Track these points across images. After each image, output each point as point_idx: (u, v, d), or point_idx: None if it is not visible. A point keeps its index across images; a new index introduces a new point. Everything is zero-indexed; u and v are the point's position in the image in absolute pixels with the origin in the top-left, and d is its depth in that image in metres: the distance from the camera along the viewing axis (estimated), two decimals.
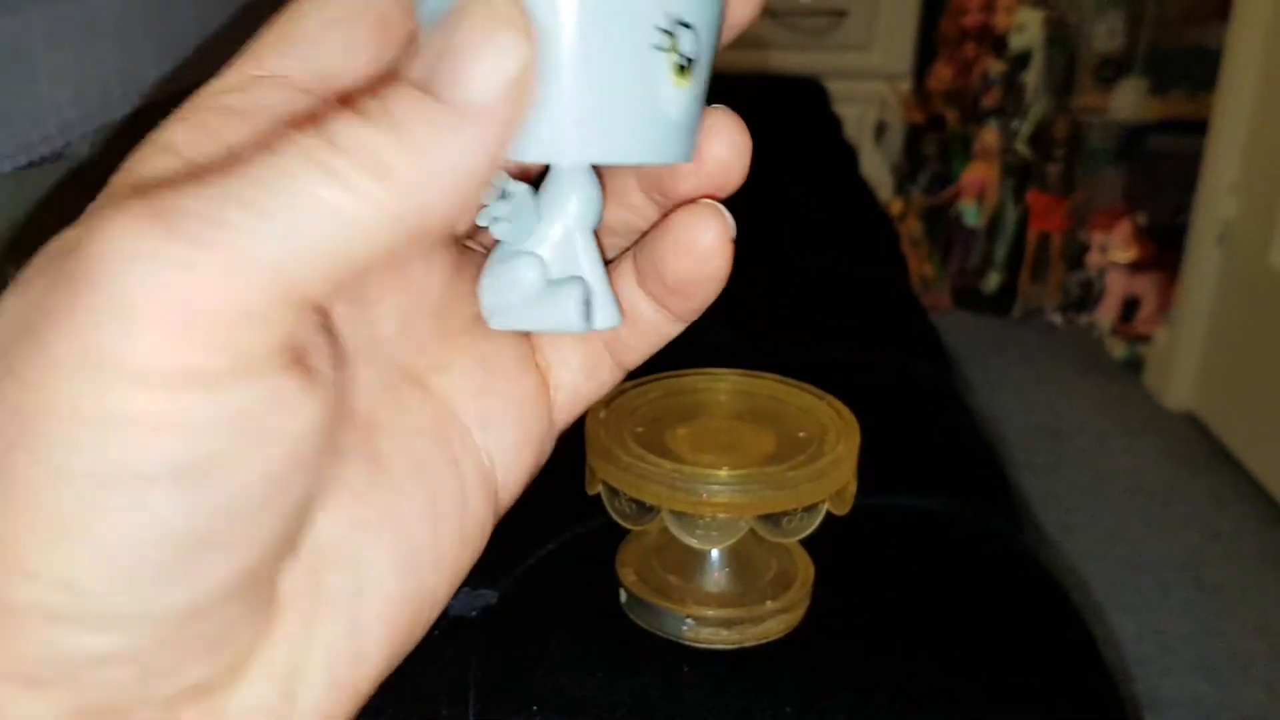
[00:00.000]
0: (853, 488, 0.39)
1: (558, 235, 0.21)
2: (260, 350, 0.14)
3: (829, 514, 0.40)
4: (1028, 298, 1.72)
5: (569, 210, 0.21)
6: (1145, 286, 1.60)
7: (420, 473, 0.18)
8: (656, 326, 0.22)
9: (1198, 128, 1.51)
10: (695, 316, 0.21)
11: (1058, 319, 1.71)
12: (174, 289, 0.13)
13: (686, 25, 0.19)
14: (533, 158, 0.18)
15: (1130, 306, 1.63)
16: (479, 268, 0.21)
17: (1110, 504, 1.31)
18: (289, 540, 0.16)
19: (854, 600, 0.43)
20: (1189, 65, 1.67)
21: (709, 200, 0.21)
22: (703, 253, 0.20)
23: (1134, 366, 1.61)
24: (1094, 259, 1.61)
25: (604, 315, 0.20)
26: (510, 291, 0.20)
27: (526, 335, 0.22)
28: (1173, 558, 1.21)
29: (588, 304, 0.20)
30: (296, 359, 0.15)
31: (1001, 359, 1.58)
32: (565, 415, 0.22)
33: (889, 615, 0.43)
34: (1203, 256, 1.45)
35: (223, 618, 0.15)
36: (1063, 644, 0.43)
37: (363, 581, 0.17)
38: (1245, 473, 1.32)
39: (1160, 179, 1.66)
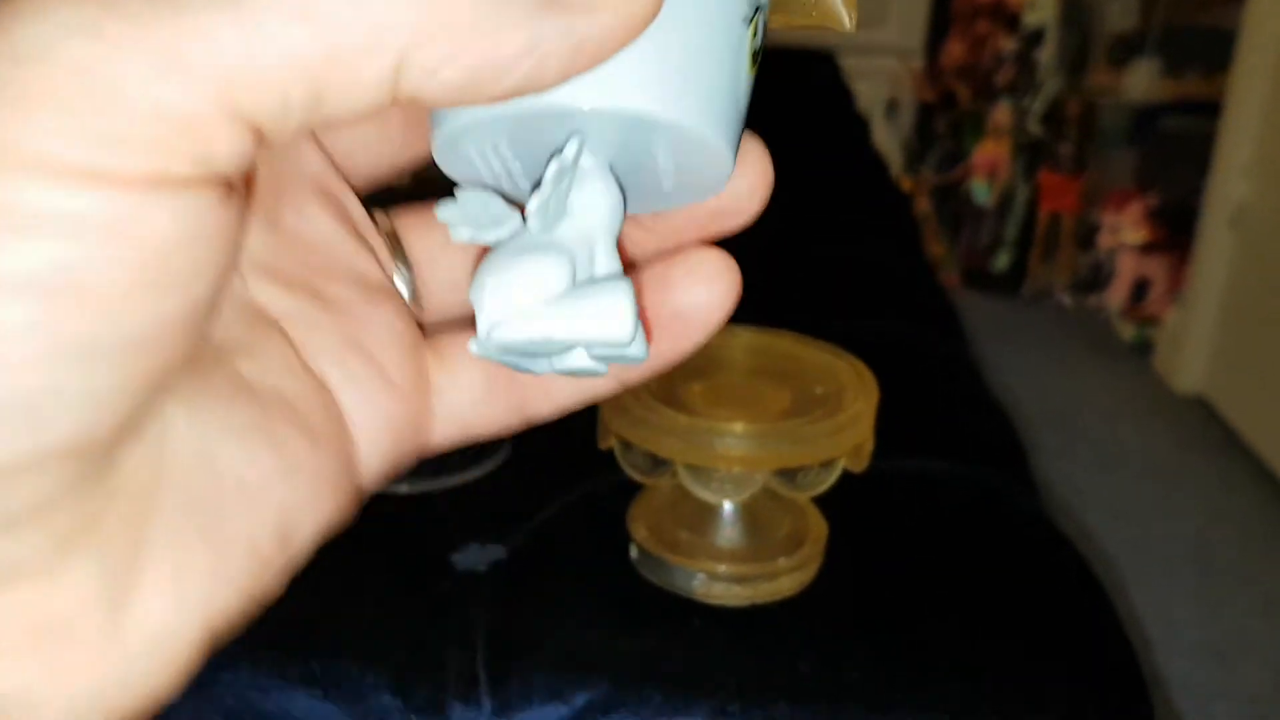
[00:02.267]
0: (870, 444, 0.38)
1: (572, 239, 0.17)
2: (184, 167, 0.12)
3: (844, 474, 0.40)
4: (1037, 278, 1.71)
5: (597, 208, 0.17)
6: (1156, 268, 1.59)
7: (279, 399, 0.17)
8: (590, 380, 0.18)
9: (1211, 109, 1.49)
10: (638, 378, 0.19)
11: (1067, 300, 1.70)
12: (101, 73, 0.11)
13: (759, 9, 0.17)
14: (590, 102, 0.15)
15: (1140, 288, 1.62)
16: (352, 223, 0.18)
17: (1118, 486, 1.31)
18: (144, 406, 0.14)
19: (868, 560, 0.43)
20: (1203, 46, 1.65)
21: (717, 251, 0.18)
22: (698, 323, 0.18)
23: (1143, 349, 1.60)
24: (1104, 240, 1.60)
25: (640, 343, 0.16)
26: (524, 294, 0.16)
27: (413, 333, 0.19)
28: (1180, 540, 1.20)
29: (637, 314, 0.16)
30: (221, 192, 0.13)
31: (1010, 339, 1.57)
32: (441, 438, 0.19)
33: (903, 576, 0.43)
34: (1215, 238, 1.44)
35: (49, 481, 0.13)
36: (1079, 607, 0.43)
37: (205, 490, 0.15)
38: (1254, 456, 1.31)
39: (1172, 160, 1.64)
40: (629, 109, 0.15)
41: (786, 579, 0.39)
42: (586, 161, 0.17)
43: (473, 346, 0.16)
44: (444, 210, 0.16)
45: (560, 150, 0.16)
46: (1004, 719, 0.37)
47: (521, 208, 0.17)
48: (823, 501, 0.42)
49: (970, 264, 1.71)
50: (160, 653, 0.15)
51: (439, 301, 0.20)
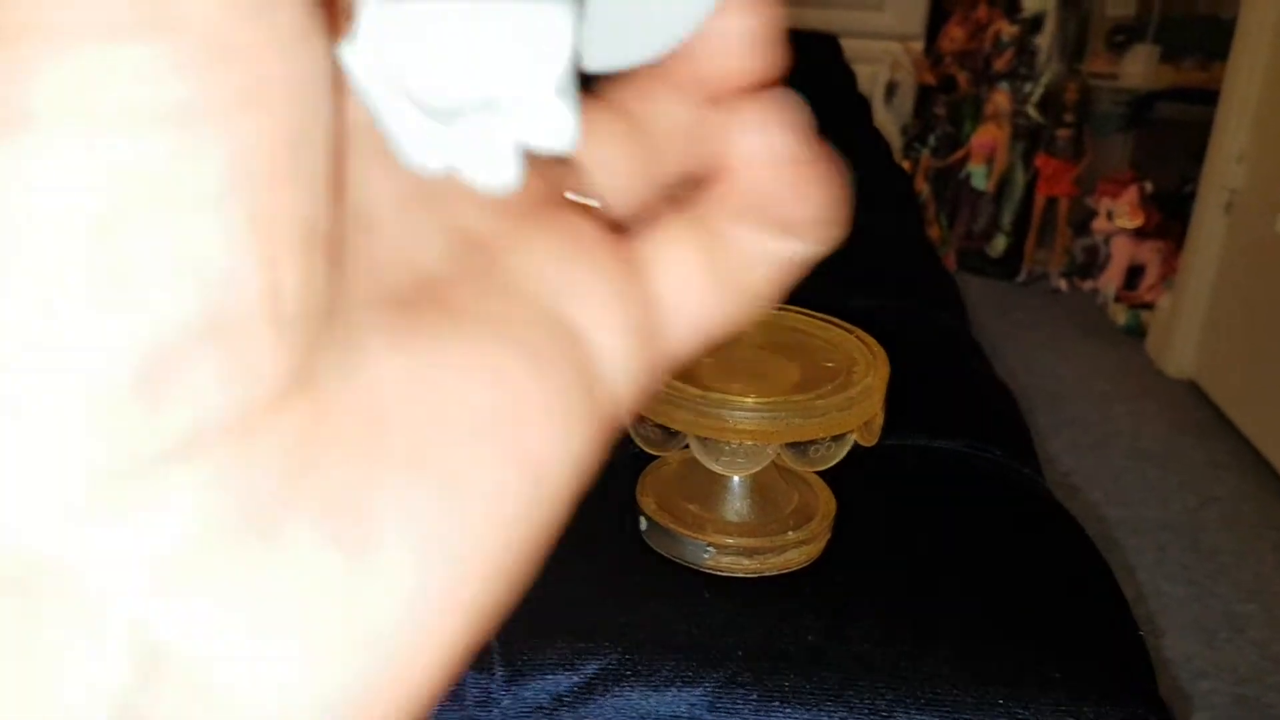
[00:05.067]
0: (880, 419, 0.38)
1: None
2: None
3: (852, 449, 0.40)
4: (1033, 262, 1.72)
5: None
6: (1149, 254, 1.60)
7: (500, 328, 0.15)
8: (766, 262, 0.17)
9: (1207, 96, 1.49)
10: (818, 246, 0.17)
11: (1062, 284, 1.71)
12: None
13: None
14: None
15: (1134, 273, 1.63)
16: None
17: (1109, 468, 1.32)
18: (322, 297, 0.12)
19: (875, 535, 0.43)
20: (1201, 34, 1.65)
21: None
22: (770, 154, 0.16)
23: (1136, 333, 1.61)
24: (1100, 225, 1.61)
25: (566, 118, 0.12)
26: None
27: (617, 237, 0.16)
28: (1170, 522, 1.22)
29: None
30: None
31: (1005, 322, 1.58)
32: (677, 344, 0.17)
33: (910, 550, 0.43)
34: (1208, 224, 1.45)
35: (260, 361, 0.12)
36: (1083, 583, 0.43)
37: (430, 434, 0.14)
38: (1244, 439, 1.33)
39: (1168, 147, 1.65)
40: None
41: (795, 552, 0.39)
42: None
43: (345, 53, 0.12)
44: None
45: None
46: (1010, 691, 0.38)
47: None
48: (830, 477, 0.42)
49: (967, 247, 1.72)
50: (410, 637, 0.12)
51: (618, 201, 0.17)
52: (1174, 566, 1.10)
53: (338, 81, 0.12)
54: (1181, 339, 1.47)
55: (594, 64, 0.15)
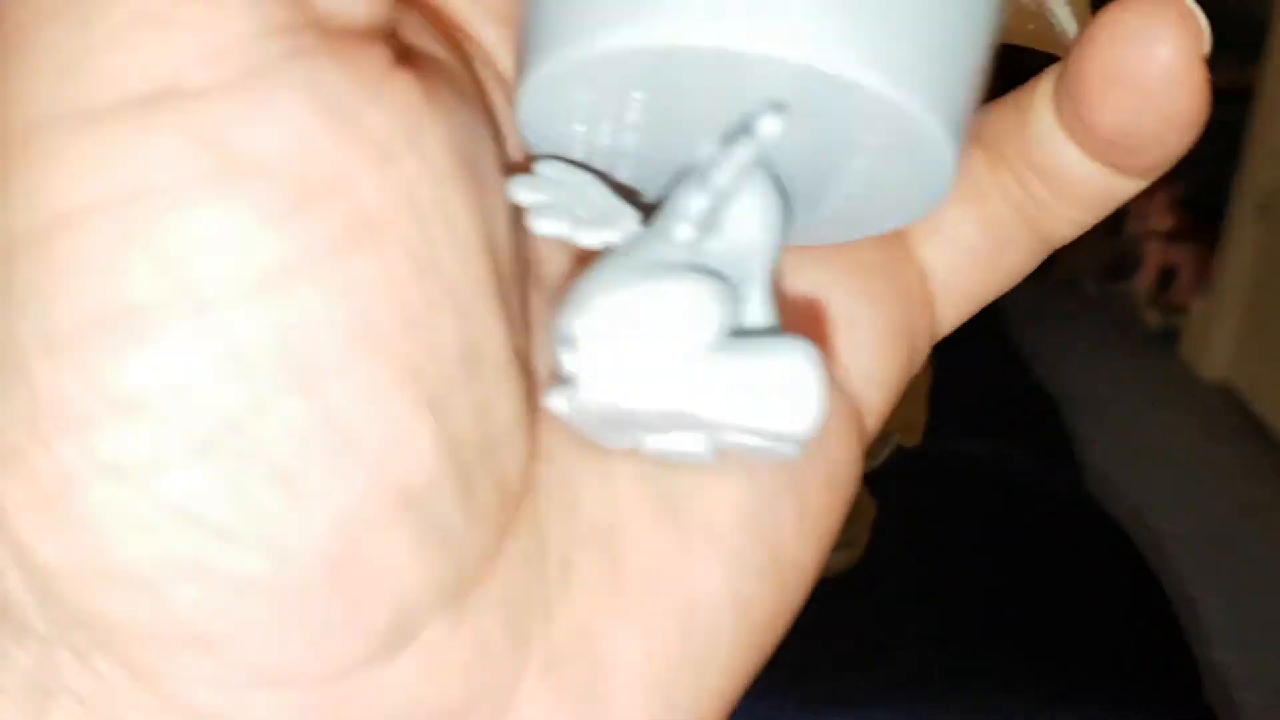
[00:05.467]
0: (923, 418, 0.38)
1: (723, 261, 0.11)
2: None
3: (891, 454, 0.39)
4: (1064, 264, 1.70)
5: (761, 220, 0.12)
6: (1183, 257, 1.58)
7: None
8: (1097, 186, 0.14)
9: (1241, 97, 1.47)
10: (1155, 173, 0.14)
11: (1093, 286, 1.69)
12: None
13: None
14: (798, 55, 0.10)
15: (1167, 276, 1.61)
16: None
17: (1142, 474, 1.30)
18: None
19: (916, 540, 0.42)
20: (1234, 34, 1.62)
21: None
22: (1150, 85, 0.13)
23: (1169, 337, 1.59)
24: (1132, 227, 1.59)
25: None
26: (662, 341, 0.11)
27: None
28: (1205, 528, 1.20)
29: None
30: (392, 53, 0.10)
31: (1034, 325, 1.56)
32: (953, 315, 0.15)
33: (951, 556, 0.42)
34: (1243, 227, 1.42)
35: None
36: (1128, 590, 0.42)
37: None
38: None
39: (1201, 148, 1.62)
40: (861, 80, 0.10)
41: (834, 555, 0.39)
42: (749, 152, 0.11)
43: (554, 401, 0.11)
44: (522, 190, 0.12)
45: (746, 131, 0.11)
46: (1054, 698, 0.37)
47: (635, 202, 0.12)
48: (870, 482, 0.41)
49: None
50: None
51: None
52: (1209, 573, 1.08)
53: (473, 178, 0.11)
54: (1216, 343, 1.44)
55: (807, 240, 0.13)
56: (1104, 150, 0.14)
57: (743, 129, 0.11)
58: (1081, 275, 1.66)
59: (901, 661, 0.37)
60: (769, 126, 0.11)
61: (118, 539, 0.09)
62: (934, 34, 0.11)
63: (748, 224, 0.12)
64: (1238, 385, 1.41)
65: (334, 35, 0.10)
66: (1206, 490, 1.24)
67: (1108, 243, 1.64)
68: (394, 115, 0.10)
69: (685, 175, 0.12)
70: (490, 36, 0.13)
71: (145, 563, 0.09)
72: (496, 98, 0.12)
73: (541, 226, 0.12)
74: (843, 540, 0.39)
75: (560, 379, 0.11)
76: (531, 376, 0.12)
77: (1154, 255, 1.56)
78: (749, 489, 0.12)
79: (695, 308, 0.11)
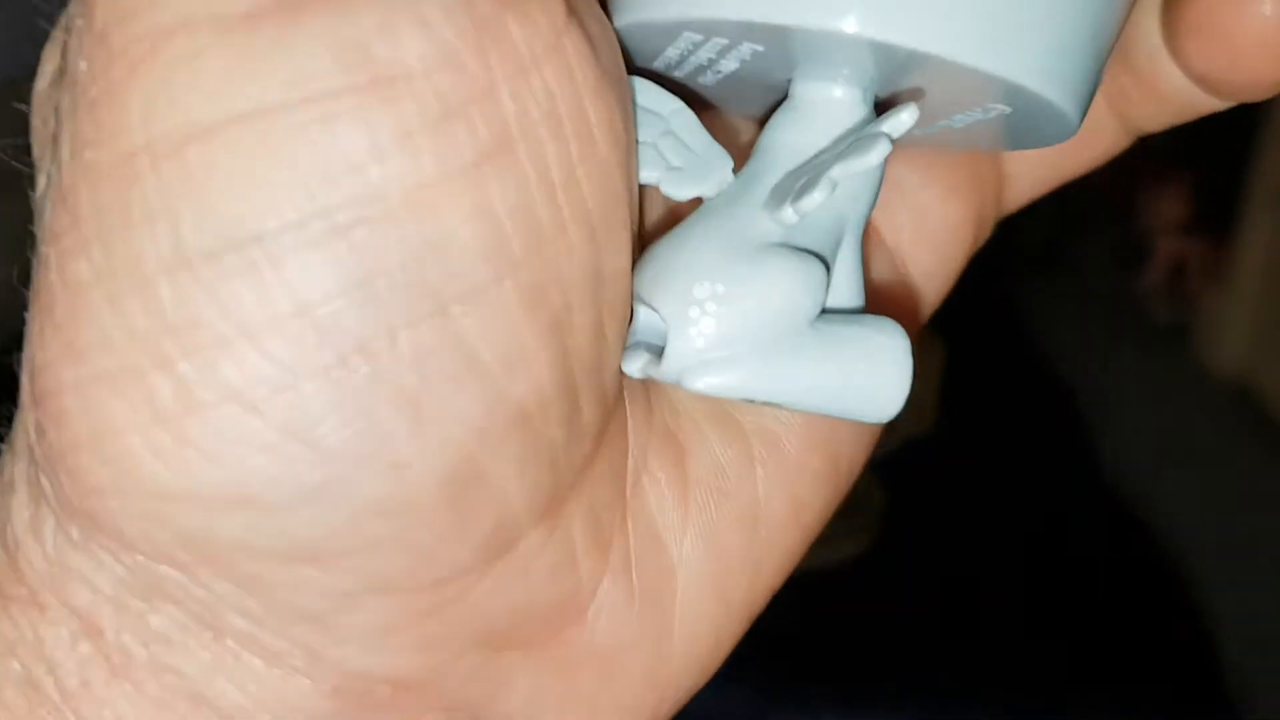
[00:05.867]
0: (934, 405, 0.37)
1: (821, 231, 0.11)
2: None
3: (902, 443, 0.38)
4: (1073, 256, 1.69)
5: (861, 190, 0.12)
6: (1195, 249, 1.56)
7: None
8: (1190, 98, 0.15)
9: None
10: (1256, 97, 0.14)
11: (1103, 278, 1.68)
12: None
13: None
14: (933, 45, 0.10)
15: (1179, 268, 1.59)
16: None
17: (1152, 469, 1.28)
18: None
19: (927, 530, 0.41)
20: None
21: None
22: (1244, 41, 0.13)
23: (1180, 329, 1.57)
24: (1142, 219, 1.57)
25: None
26: (759, 325, 0.11)
27: None
28: (1216, 525, 1.19)
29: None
30: None
31: (1042, 317, 1.55)
32: (1026, 194, 0.16)
33: (963, 546, 0.41)
34: (1258, 218, 1.41)
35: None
36: (1145, 585, 0.41)
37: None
38: None
39: (1214, 137, 1.60)
40: (992, 70, 0.10)
41: (844, 543, 0.38)
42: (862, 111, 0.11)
43: (634, 367, 0.12)
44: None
45: (877, 128, 0.11)
46: (1071, 696, 0.36)
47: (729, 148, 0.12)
48: (880, 471, 0.40)
49: (1005, 239, 1.68)
50: (690, 690, 0.13)
51: None
52: (1220, 570, 1.07)
53: (609, 89, 0.10)
54: (1229, 337, 1.43)
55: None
56: (1198, 78, 0.14)
57: (874, 124, 0.11)
58: (1090, 267, 1.64)
59: (913, 653, 0.36)
60: (903, 123, 0.11)
61: (237, 461, 0.09)
62: (1068, 19, 0.11)
63: (849, 193, 0.12)
64: (1250, 381, 1.40)
65: None
66: (1218, 487, 1.23)
67: (1117, 234, 1.62)
68: (537, 27, 0.10)
69: (783, 117, 0.12)
70: None
71: (264, 485, 0.10)
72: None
73: (675, 186, 0.12)
74: (851, 527, 0.38)
75: (637, 344, 0.11)
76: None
77: (1165, 247, 1.55)
78: None
79: (790, 295, 0.11)
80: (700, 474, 0.12)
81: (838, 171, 0.11)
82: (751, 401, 0.12)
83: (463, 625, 0.11)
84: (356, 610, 0.10)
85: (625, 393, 0.12)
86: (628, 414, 0.12)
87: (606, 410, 0.12)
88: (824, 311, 0.12)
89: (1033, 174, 0.16)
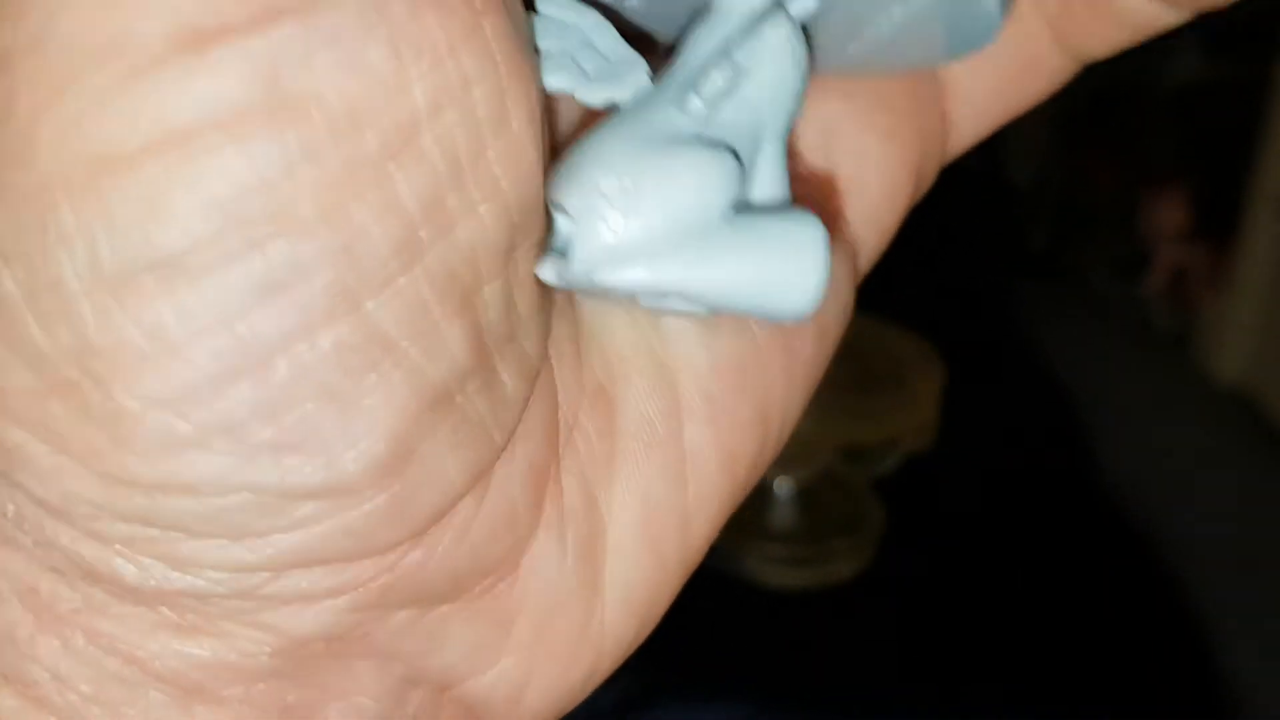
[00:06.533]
0: (934, 422, 0.36)
1: (735, 128, 0.11)
2: None
3: (900, 460, 0.38)
4: (1074, 262, 1.69)
5: (779, 83, 0.11)
6: (1196, 255, 1.56)
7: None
8: (1143, 15, 0.14)
9: (1256, 93, 1.45)
10: (1211, 4, 0.14)
11: (1104, 285, 1.68)
12: None
13: None
14: None
15: (1179, 275, 1.59)
16: None
17: (1152, 477, 1.28)
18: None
19: (926, 547, 0.41)
20: (1250, 29, 1.60)
21: None
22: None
23: (1181, 337, 1.57)
24: (1142, 226, 1.57)
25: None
26: (670, 216, 0.11)
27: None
28: (1216, 533, 1.18)
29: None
30: None
31: (1043, 325, 1.55)
32: (970, 135, 0.15)
33: (962, 562, 0.41)
34: (1260, 225, 1.40)
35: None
36: (1144, 598, 0.41)
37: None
38: None
39: (1215, 145, 1.60)
40: None
41: (842, 563, 0.37)
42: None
43: (547, 271, 0.11)
44: (543, 27, 0.12)
45: (779, 6, 0.11)
46: (1066, 707, 0.35)
47: (641, 49, 0.12)
48: (879, 487, 0.40)
49: (1006, 245, 1.68)
50: (629, 643, 0.13)
51: None
52: (1220, 578, 1.07)
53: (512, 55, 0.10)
54: (1231, 344, 1.43)
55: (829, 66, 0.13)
56: None
57: (776, 3, 0.11)
58: (1092, 274, 1.64)
59: (910, 671, 0.36)
60: (806, 6, 0.11)
61: (169, 459, 0.10)
62: None
63: (764, 89, 0.11)
64: (1251, 388, 1.39)
65: None
66: (1219, 494, 1.23)
67: (1118, 242, 1.62)
68: (455, 14, 0.10)
69: (703, 26, 0.11)
70: None
71: (196, 477, 0.10)
72: None
73: (547, 80, 0.11)
74: (850, 546, 0.38)
75: (554, 247, 0.11)
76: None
77: (1166, 254, 1.54)
78: (740, 345, 0.13)
79: (700, 186, 0.11)
80: (629, 427, 0.13)
81: (741, 55, 0.11)
82: (664, 300, 0.12)
83: (398, 589, 0.11)
84: (287, 579, 0.11)
85: (553, 350, 0.13)
86: (555, 372, 0.12)
87: (529, 375, 0.12)
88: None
89: (976, 112, 0.15)
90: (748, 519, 0.39)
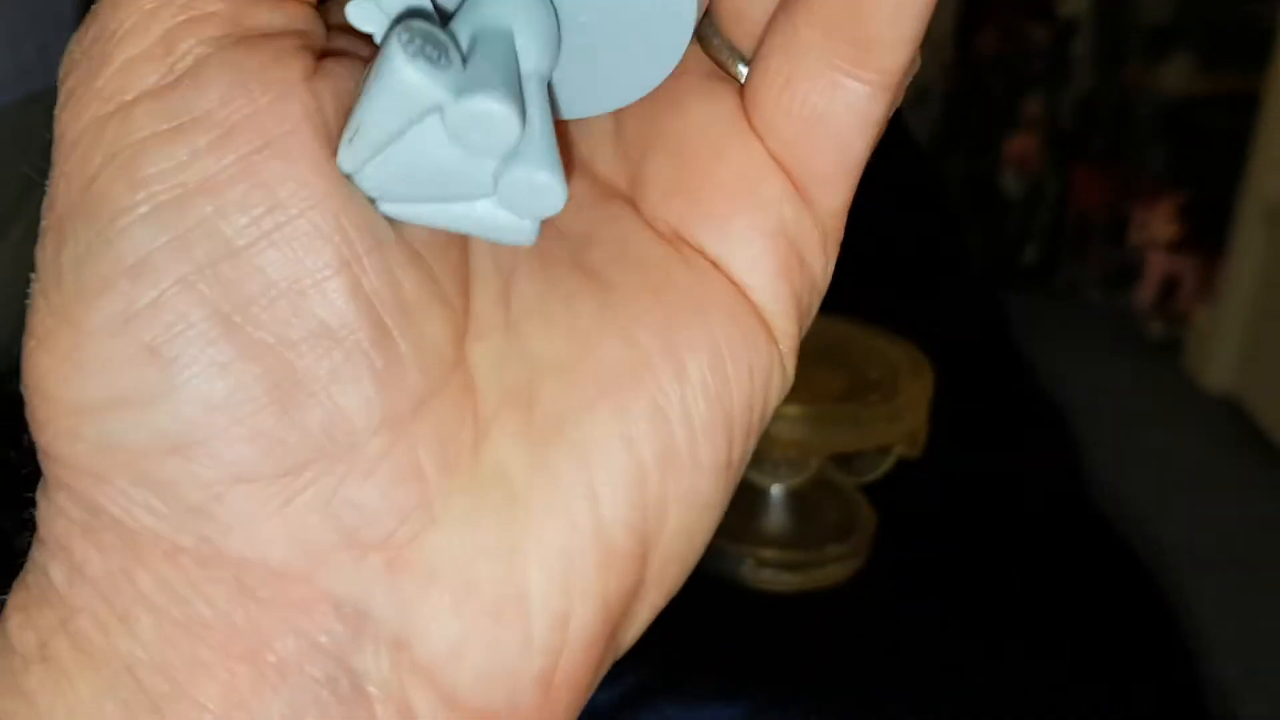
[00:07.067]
0: (925, 430, 0.37)
1: (487, 75, 0.13)
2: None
3: (894, 463, 0.39)
4: (1066, 273, 1.70)
5: (519, 27, 0.14)
6: (1186, 266, 1.57)
7: (643, 278, 0.15)
8: (849, 109, 0.15)
9: (1246, 105, 1.47)
10: (889, 82, 0.15)
11: (1096, 296, 1.69)
12: None
13: None
14: None
15: (1170, 285, 1.60)
16: None
17: (1143, 485, 1.29)
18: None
19: (917, 551, 0.42)
20: (1239, 41, 1.62)
21: None
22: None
23: (1172, 347, 1.58)
24: (1135, 236, 1.58)
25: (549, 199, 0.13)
26: (408, 169, 0.13)
27: (729, 103, 0.16)
28: (1207, 541, 1.19)
29: (534, 188, 0.13)
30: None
31: (1036, 335, 1.56)
32: (834, 203, 0.17)
33: (952, 567, 0.42)
34: (1249, 236, 1.42)
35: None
36: (1131, 605, 0.42)
37: (590, 403, 0.14)
38: None
39: (1205, 156, 1.62)
40: None
41: (836, 566, 0.38)
42: None
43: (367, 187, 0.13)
44: (355, 13, 0.14)
45: None
46: (1056, 713, 0.36)
47: None
48: (870, 491, 0.41)
49: (998, 257, 1.70)
50: (557, 613, 0.14)
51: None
52: (1210, 585, 1.07)
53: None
54: (1220, 354, 1.44)
55: (570, 113, 0.15)
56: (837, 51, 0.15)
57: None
58: (1082, 284, 1.65)
59: (902, 674, 0.36)
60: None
61: (110, 375, 0.13)
62: None
63: (518, 34, 0.14)
64: (1241, 397, 1.40)
65: (250, 36, 0.14)
66: (1209, 503, 1.24)
67: (1109, 252, 1.64)
68: (294, 72, 0.13)
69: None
70: None
71: (129, 390, 0.13)
72: None
73: (356, 17, 0.14)
74: (843, 551, 0.39)
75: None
76: (455, 267, 0.15)
77: (1157, 264, 1.56)
78: (632, 354, 0.15)
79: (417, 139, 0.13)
80: (543, 418, 0.15)
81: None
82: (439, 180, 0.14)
83: (318, 515, 0.13)
84: (227, 499, 0.13)
85: (479, 355, 0.15)
86: (477, 369, 0.15)
87: (432, 355, 0.14)
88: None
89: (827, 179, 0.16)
90: (743, 524, 0.40)
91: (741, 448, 0.16)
